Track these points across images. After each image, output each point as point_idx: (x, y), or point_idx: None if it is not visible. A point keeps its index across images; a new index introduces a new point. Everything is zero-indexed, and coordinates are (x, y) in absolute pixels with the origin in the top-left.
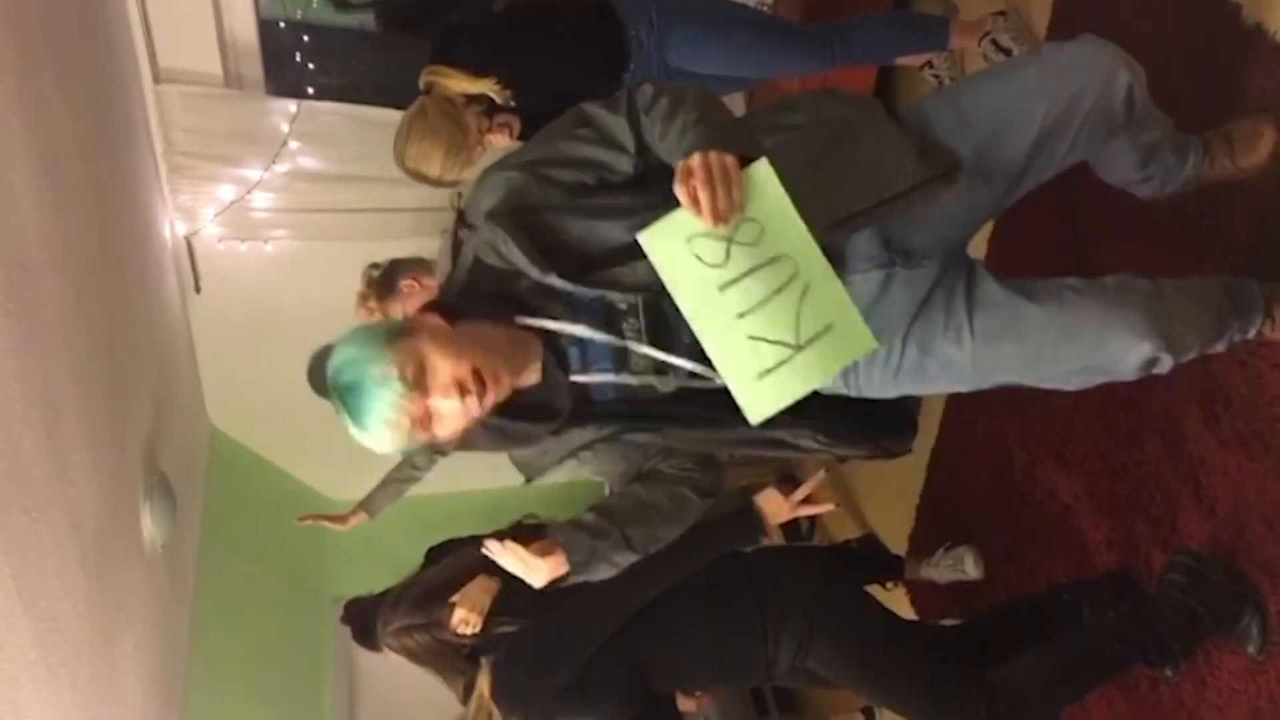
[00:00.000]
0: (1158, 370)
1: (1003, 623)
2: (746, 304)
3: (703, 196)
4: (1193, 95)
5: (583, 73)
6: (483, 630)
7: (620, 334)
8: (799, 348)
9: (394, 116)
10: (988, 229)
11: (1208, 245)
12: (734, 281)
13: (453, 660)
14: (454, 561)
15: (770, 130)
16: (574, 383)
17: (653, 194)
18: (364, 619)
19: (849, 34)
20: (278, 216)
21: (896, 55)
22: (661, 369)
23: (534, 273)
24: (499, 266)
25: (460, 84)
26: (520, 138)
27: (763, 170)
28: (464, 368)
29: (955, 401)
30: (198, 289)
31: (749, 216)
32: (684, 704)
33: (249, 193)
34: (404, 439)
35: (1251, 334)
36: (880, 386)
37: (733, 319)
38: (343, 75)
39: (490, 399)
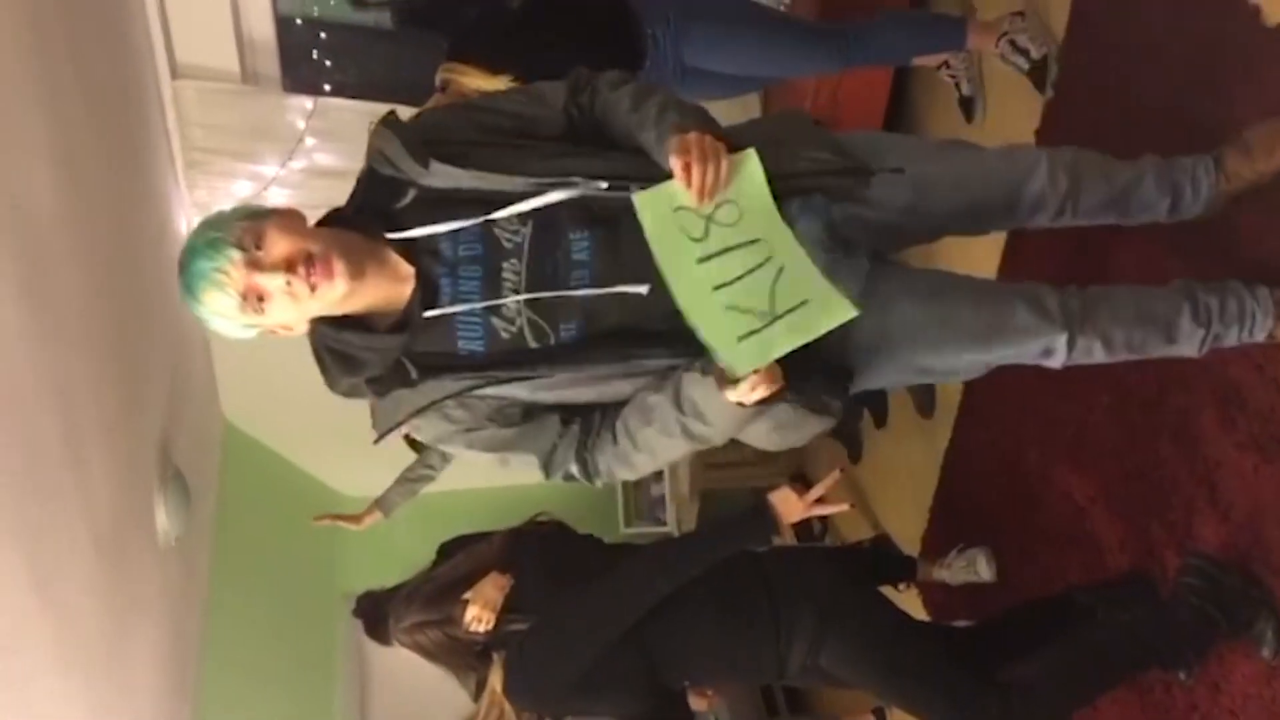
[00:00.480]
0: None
1: (1016, 624)
2: (723, 278)
3: (695, 172)
4: (1210, 94)
5: (599, 72)
6: (495, 627)
7: (497, 265)
8: (776, 316)
9: (410, 114)
10: (1001, 238)
11: (1223, 248)
12: (711, 257)
13: (465, 657)
14: (467, 558)
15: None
16: (433, 317)
17: (573, 149)
18: (376, 612)
19: (865, 34)
20: None
21: (913, 56)
22: (538, 325)
23: (412, 168)
24: (388, 175)
25: (476, 81)
26: None
27: (751, 159)
28: (298, 248)
29: (968, 403)
30: None
31: (730, 199)
32: (695, 702)
33: (265, 189)
34: (234, 309)
35: (1262, 337)
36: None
37: (710, 290)
38: (359, 72)
39: (324, 289)
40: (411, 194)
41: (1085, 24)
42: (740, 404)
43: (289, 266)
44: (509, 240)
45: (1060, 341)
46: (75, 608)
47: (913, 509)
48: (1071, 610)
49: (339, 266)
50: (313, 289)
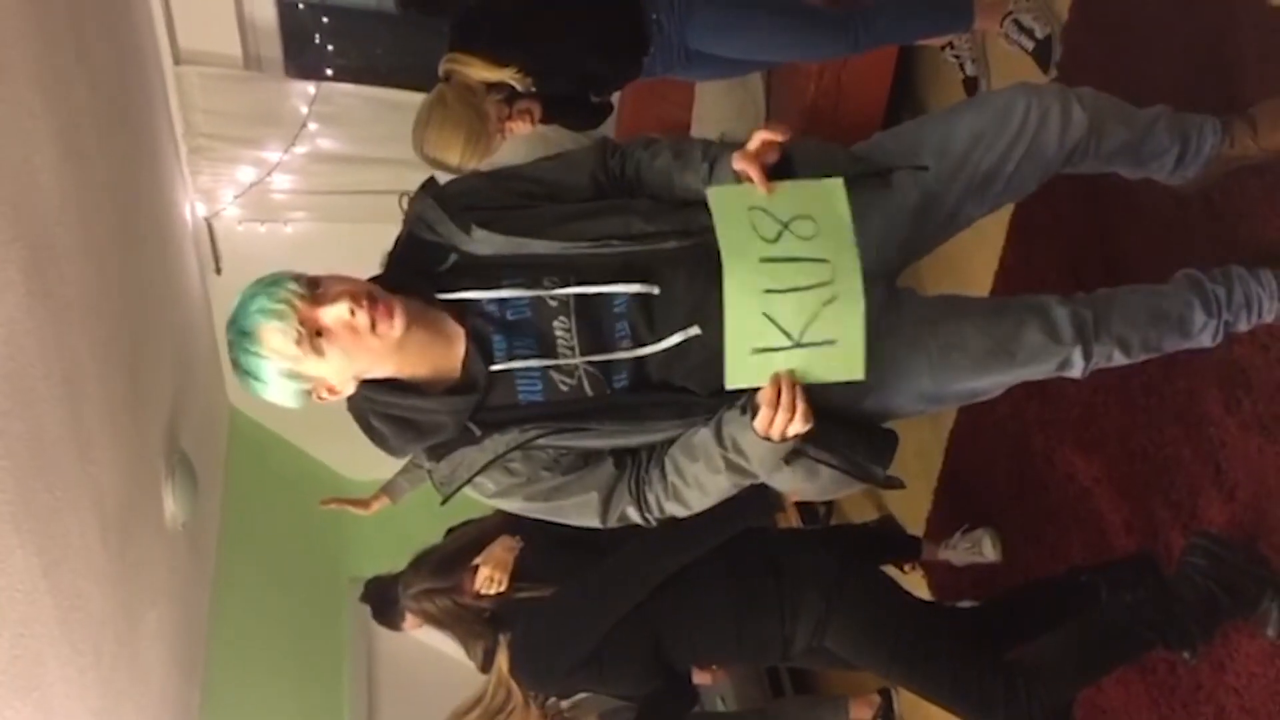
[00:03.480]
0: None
1: (1020, 604)
2: (776, 284)
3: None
4: (1216, 74)
5: (603, 58)
6: (505, 591)
7: (549, 325)
8: (797, 344)
9: (413, 98)
10: (1006, 218)
11: (1231, 233)
12: (774, 260)
13: (473, 625)
14: (474, 527)
15: None
16: (496, 373)
17: (607, 208)
18: (383, 598)
19: (872, 17)
20: (297, 198)
21: (919, 37)
22: (595, 377)
23: (455, 234)
24: (429, 240)
25: (480, 72)
26: (542, 123)
27: (838, 186)
28: (360, 287)
29: None
30: (218, 270)
31: (810, 216)
32: (699, 677)
33: (268, 174)
34: (291, 346)
35: (1270, 319)
36: (843, 400)
37: (758, 291)
38: (362, 57)
39: (385, 328)
40: (453, 258)
41: (1089, 3)
42: (769, 439)
43: (352, 298)
44: (554, 299)
45: (1075, 355)
46: (84, 592)
47: (918, 489)
48: (1076, 591)
49: (398, 309)
50: (373, 325)
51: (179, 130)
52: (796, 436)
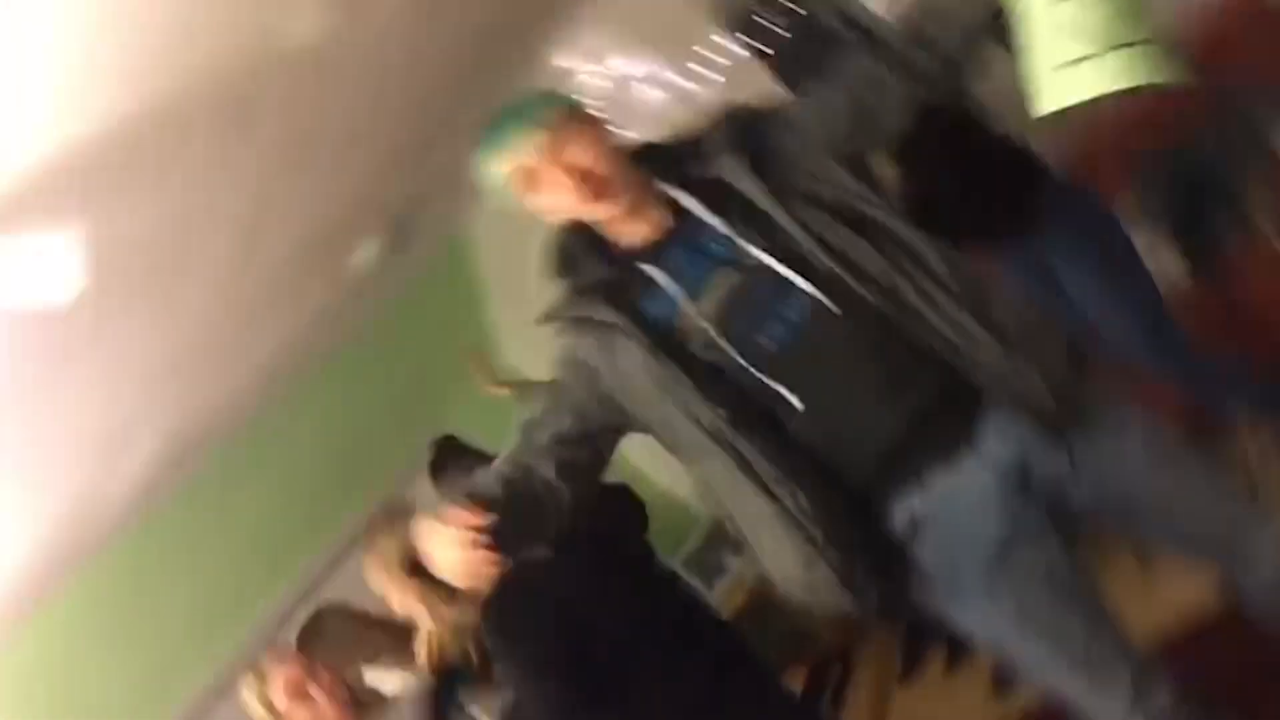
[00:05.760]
0: None
1: None
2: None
3: None
4: None
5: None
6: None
7: (712, 274)
8: (1102, 51)
9: None
10: None
11: None
12: None
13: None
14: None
15: None
16: (642, 272)
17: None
18: (443, 459)
19: (1239, 381)
20: None
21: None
22: (711, 338)
23: (725, 160)
24: (700, 149)
25: None
26: None
27: None
28: (593, 165)
29: None
30: None
31: None
32: None
33: None
34: (510, 168)
35: None
36: None
37: (1047, 4)
38: None
39: (593, 208)
40: (710, 171)
41: None
42: None
43: (581, 176)
44: (750, 259)
45: None
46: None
47: None
48: None
49: (620, 199)
50: (595, 197)
51: None
52: None
